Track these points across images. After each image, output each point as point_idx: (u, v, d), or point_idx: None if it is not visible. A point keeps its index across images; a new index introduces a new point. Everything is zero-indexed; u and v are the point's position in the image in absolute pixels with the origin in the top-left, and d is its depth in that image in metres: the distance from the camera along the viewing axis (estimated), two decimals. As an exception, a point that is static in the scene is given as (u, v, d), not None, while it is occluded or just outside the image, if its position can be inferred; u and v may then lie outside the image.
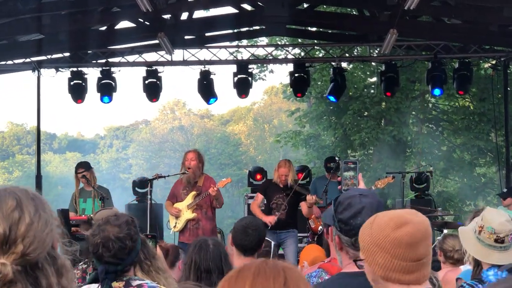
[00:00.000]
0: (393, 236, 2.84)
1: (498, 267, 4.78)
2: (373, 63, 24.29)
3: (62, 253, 2.43)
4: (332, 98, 16.96)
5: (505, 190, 13.44)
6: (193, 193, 11.83)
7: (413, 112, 27.71)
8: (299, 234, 12.77)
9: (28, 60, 16.56)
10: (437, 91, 16.73)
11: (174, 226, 11.96)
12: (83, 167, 12.62)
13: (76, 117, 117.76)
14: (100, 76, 16.45)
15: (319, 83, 26.02)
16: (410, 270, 2.89)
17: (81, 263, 6.50)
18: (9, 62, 16.61)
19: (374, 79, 27.02)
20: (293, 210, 12.07)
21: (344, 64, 18.23)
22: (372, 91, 27.56)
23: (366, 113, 27.27)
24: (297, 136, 31.01)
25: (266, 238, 7.39)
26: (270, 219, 11.72)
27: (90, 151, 71.75)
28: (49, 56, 16.71)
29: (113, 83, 16.56)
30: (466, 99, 27.25)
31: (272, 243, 7.36)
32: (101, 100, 16.65)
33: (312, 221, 12.77)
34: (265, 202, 12.26)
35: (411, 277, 2.90)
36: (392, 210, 3.00)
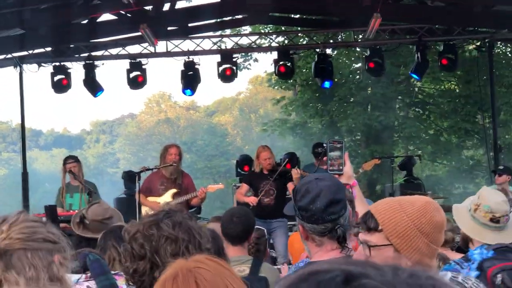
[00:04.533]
0: (435, 220, 2.79)
1: (486, 246, 4.73)
2: (357, 49, 24.25)
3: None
4: (327, 84, 16.83)
5: (501, 167, 13.38)
6: (174, 190, 11.54)
7: (399, 97, 27.70)
8: (289, 223, 12.68)
9: (9, 56, 16.40)
10: (415, 76, 16.90)
11: None
12: (73, 159, 12.50)
13: (62, 113, 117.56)
14: (86, 70, 16.31)
15: (304, 70, 25.94)
16: (434, 255, 2.85)
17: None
18: (-10, 58, 16.46)
19: (359, 64, 26.99)
20: (282, 195, 11.93)
21: (328, 51, 18.11)
22: (357, 76, 27.53)
23: (352, 99, 27.26)
24: (283, 124, 31.00)
25: (259, 227, 7.33)
26: (251, 199, 11.69)
27: (77, 147, 71.60)
28: (31, 51, 16.55)
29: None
30: (452, 82, 27.27)
31: (265, 231, 7.27)
32: (95, 95, 16.57)
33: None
34: (252, 192, 12.16)
35: (432, 263, 2.85)
36: (409, 197, 2.98)
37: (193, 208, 15.56)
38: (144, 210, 11.28)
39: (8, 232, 2.48)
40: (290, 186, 11.86)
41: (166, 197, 11.52)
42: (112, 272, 4.30)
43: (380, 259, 2.89)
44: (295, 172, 11.65)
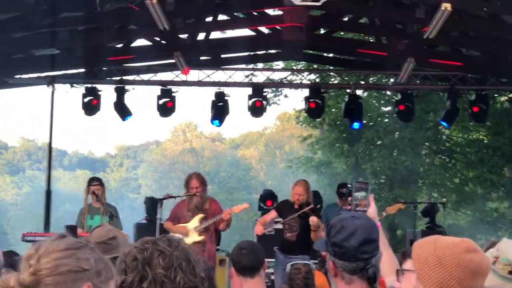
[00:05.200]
0: (462, 258, 2.72)
1: None
2: (388, 92, 24.22)
3: None
4: (356, 125, 16.76)
5: None
6: (200, 215, 11.56)
7: (426, 143, 27.55)
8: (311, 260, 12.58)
9: (43, 74, 16.49)
10: (444, 123, 16.84)
11: None
12: (98, 181, 12.53)
13: (88, 135, 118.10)
14: (116, 94, 16.37)
15: (333, 110, 25.91)
16: None
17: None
18: (24, 76, 16.55)
19: (389, 108, 26.91)
20: (305, 234, 11.83)
21: (358, 92, 18.10)
22: (386, 120, 27.44)
23: (379, 142, 27.16)
24: (308, 162, 30.93)
25: (306, 262, 7.30)
26: (257, 230, 11.69)
27: (100, 169, 71.80)
28: (64, 72, 16.65)
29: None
30: (481, 132, 27.12)
31: (311, 265, 7.26)
32: (124, 119, 16.62)
33: (322, 249, 12.57)
34: (280, 221, 12.13)
35: None
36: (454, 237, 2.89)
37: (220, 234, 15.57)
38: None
39: (36, 266, 2.47)
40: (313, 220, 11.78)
41: (194, 222, 11.54)
42: None
43: (408, 285, 2.89)
44: (312, 220, 11.54)
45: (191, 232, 11.53)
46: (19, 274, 2.45)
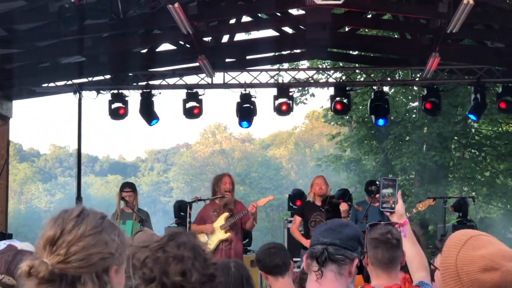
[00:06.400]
0: (476, 277, 2.67)
1: None
2: (415, 87, 24.14)
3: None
4: (381, 122, 16.71)
5: None
6: (226, 214, 11.61)
7: (455, 137, 27.43)
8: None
9: (69, 82, 16.63)
10: (472, 116, 16.68)
11: None
12: (131, 188, 12.59)
13: (118, 140, 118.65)
14: (142, 98, 16.46)
15: (360, 107, 25.88)
16: None
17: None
18: (51, 84, 16.69)
19: (416, 103, 26.83)
20: None
21: (385, 88, 18.07)
22: (413, 115, 27.35)
23: (407, 138, 27.09)
24: (338, 160, 30.91)
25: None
26: (304, 241, 11.66)
27: (131, 174, 72.16)
28: (90, 79, 16.77)
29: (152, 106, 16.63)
30: (510, 124, 26.96)
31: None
32: (149, 123, 16.70)
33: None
34: (303, 223, 12.14)
35: None
36: (488, 241, 2.80)
37: (246, 239, 15.59)
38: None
39: (66, 256, 2.38)
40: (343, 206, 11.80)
41: (219, 221, 11.59)
42: None
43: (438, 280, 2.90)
44: (343, 205, 11.61)
45: (217, 230, 11.59)
46: (45, 259, 2.37)
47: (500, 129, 27.58)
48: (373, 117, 16.85)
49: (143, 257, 3.16)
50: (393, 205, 4.35)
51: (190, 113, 16.61)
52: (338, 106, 16.70)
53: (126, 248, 2.57)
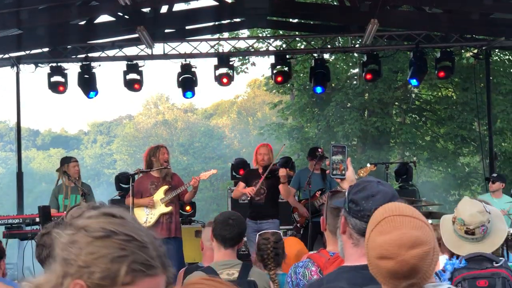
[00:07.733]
0: (376, 263, 2.72)
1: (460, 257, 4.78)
2: (355, 54, 24.27)
3: None
4: (319, 89, 16.76)
5: (495, 175, 13.52)
6: (165, 187, 11.47)
7: (396, 103, 27.71)
8: (282, 226, 12.66)
9: (6, 56, 16.38)
10: (413, 82, 16.86)
11: (145, 222, 11.17)
12: (76, 160, 12.51)
13: (60, 113, 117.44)
14: (80, 71, 16.30)
15: (301, 75, 25.97)
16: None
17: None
18: (-12, 58, 16.44)
19: (357, 70, 27.00)
20: (273, 195, 11.94)
21: (326, 56, 18.14)
22: (354, 82, 27.54)
23: (349, 105, 27.28)
24: (280, 128, 31.05)
25: (276, 230, 7.37)
26: (249, 190, 11.71)
27: (74, 147, 71.53)
28: (28, 52, 16.54)
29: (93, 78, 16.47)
30: (449, 89, 27.30)
31: (281, 233, 7.27)
32: (88, 96, 16.55)
33: (297, 214, 12.70)
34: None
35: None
36: (396, 225, 2.73)
37: (190, 209, 15.59)
38: (136, 212, 11.23)
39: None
40: (281, 187, 11.87)
41: (159, 194, 11.49)
42: None
43: None
44: (282, 171, 11.66)
45: (157, 204, 11.50)
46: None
47: (439, 93, 27.91)
48: (312, 84, 16.93)
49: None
50: (343, 172, 4.37)
51: (131, 85, 16.50)
52: (279, 79, 16.75)
53: None
